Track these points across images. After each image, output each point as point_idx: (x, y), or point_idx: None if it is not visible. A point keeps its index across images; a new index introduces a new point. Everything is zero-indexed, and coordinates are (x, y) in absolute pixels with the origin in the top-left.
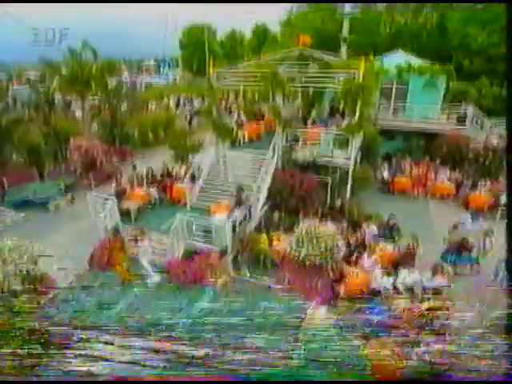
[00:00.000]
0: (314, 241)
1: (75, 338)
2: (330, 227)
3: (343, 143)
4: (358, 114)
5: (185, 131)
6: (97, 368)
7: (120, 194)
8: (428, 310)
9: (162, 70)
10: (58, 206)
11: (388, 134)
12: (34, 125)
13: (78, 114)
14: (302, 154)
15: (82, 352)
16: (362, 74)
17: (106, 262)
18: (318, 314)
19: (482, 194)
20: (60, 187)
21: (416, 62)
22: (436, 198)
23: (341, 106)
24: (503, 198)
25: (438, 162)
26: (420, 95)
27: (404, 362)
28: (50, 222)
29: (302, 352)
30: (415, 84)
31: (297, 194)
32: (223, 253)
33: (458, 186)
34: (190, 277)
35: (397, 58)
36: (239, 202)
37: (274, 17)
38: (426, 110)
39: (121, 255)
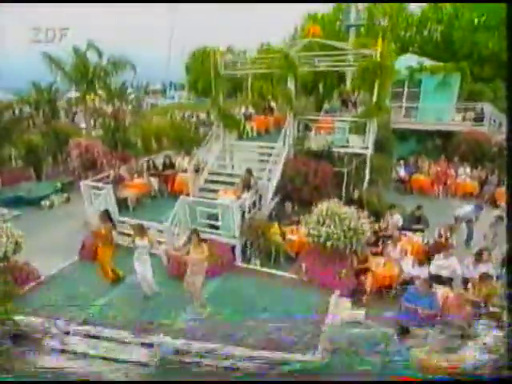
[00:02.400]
0: (337, 219)
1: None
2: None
3: (360, 129)
4: (375, 94)
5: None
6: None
7: (117, 182)
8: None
9: (167, 92)
10: (52, 204)
11: (401, 135)
12: (33, 124)
13: (79, 116)
14: (316, 142)
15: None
16: (380, 52)
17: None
18: (343, 307)
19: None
20: (56, 187)
21: (428, 62)
22: (458, 198)
23: (353, 97)
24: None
25: (457, 159)
26: (433, 96)
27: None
28: (42, 219)
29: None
30: (428, 85)
31: (311, 183)
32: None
33: (482, 183)
34: None
35: (407, 61)
36: (248, 186)
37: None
38: (440, 111)
39: (106, 249)
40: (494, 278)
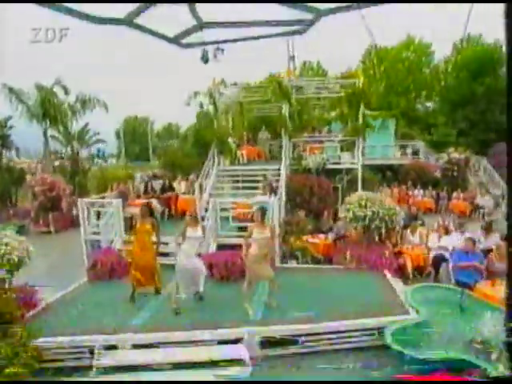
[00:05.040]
0: (376, 201)
1: None
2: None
3: (350, 147)
4: (361, 115)
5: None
6: None
7: (123, 198)
8: None
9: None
10: None
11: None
12: None
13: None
14: (311, 160)
15: None
16: (362, 81)
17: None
18: (398, 284)
19: (460, 202)
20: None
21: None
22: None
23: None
24: (480, 201)
25: (409, 184)
26: (377, 137)
27: None
28: None
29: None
30: None
31: (316, 195)
32: None
33: (436, 200)
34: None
35: None
36: (273, 190)
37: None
38: (384, 148)
39: (151, 249)
40: None
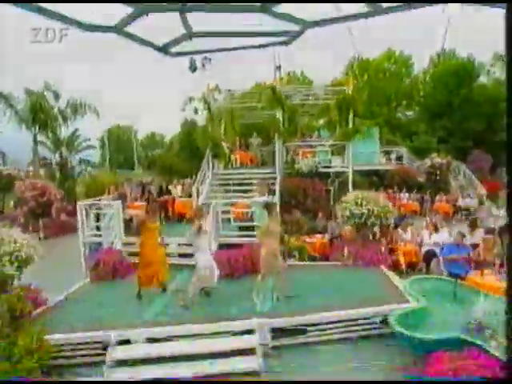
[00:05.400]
0: (370, 199)
1: None
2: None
3: (341, 151)
4: (351, 121)
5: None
6: None
7: (122, 201)
8: None
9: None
10: None
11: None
12: None
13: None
14: (304, 164)
15: None
16: (352, 88)
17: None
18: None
19: (443, 204)
20: None
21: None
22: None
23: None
24: (462, 203)
25: (395, 189)
26: (362, 144)
27: None
28: None
29: None
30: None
31: (310, 197)
32: None
33: (420, 203)
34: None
35: None
36: (269, 192)
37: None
38: (369, 155)
39: (161, 246)
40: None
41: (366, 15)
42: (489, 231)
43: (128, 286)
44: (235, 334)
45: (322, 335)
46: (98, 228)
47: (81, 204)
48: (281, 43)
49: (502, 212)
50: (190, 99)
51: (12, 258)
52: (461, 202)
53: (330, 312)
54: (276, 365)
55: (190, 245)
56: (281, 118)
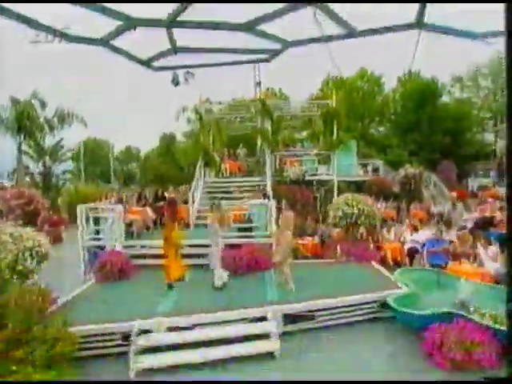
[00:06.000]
0: (360, 200)
1: None
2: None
3: (327, 160)
4: (335, 132)
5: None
6: None
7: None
8: None
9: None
10: None
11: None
12: None
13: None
14: (292, 172)
15: None
16: (335, 102)
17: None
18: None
19: (418, 211)
20: None
21: None
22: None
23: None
24: (435, 210)
25: (373, 198)
26: (342, 157)
27: None
28: None
29: None
30: None
31: (299, 203)
32: None
33: (397, 211)
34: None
35: None
36: (264, 196)
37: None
38: (347, 167)
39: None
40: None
41: (343, 37)
42: (461, 228)
43: (135, 285)
44: (250, 320)
45: (329, 320)
46: (97, 232)
47: (81, 207)
48: (262, 60)
49: (470, 215)
50: (184, 109)
51: (33, 254)
52: (433, 209)
53: (333, 298)
54: (289, 348)
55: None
56: (270, 129)
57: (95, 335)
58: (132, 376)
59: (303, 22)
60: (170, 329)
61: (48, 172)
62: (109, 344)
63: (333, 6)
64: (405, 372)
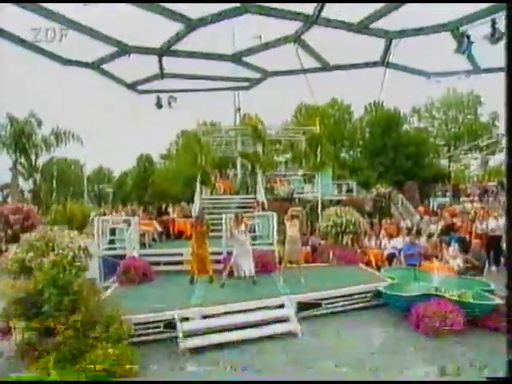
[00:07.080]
0: (348, 212)
1: None
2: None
3: (312, 180)
4: (319, 154)
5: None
6: None
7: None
8: None
9: None
10: None
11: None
12: None
13: None
14: (282, 190)
15: None
16: (318, 129)
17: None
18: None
19: (389, 225)
20: None
21: None
22: None
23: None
24: (404, 224)
25: None
26: (320, 178)
27: None
28: None
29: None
30: None
31: None
32: None
33: (371, 226)
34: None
35: None
36: (263, 209)
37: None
38: (324, 187)
39: (205, 245)
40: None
41: (319, 70)
42: (429, 236)
43: (160, 286)
44: (269, 308)
45: (332, 308)
46: (112, 241)
47: (98, 219)
48: (242, 88)
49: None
50: (183, 132)
51: (85, 252)
52: (402, 224)
53: (336, 289)
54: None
55: None
56: (261, 151)
57: (144, 323)
58: (179, 351)
59: (284, 55)
60: (205, 316)
61: (38, 189)
62: (151, 331)
63: (310, 40)
64: (398, 340)
